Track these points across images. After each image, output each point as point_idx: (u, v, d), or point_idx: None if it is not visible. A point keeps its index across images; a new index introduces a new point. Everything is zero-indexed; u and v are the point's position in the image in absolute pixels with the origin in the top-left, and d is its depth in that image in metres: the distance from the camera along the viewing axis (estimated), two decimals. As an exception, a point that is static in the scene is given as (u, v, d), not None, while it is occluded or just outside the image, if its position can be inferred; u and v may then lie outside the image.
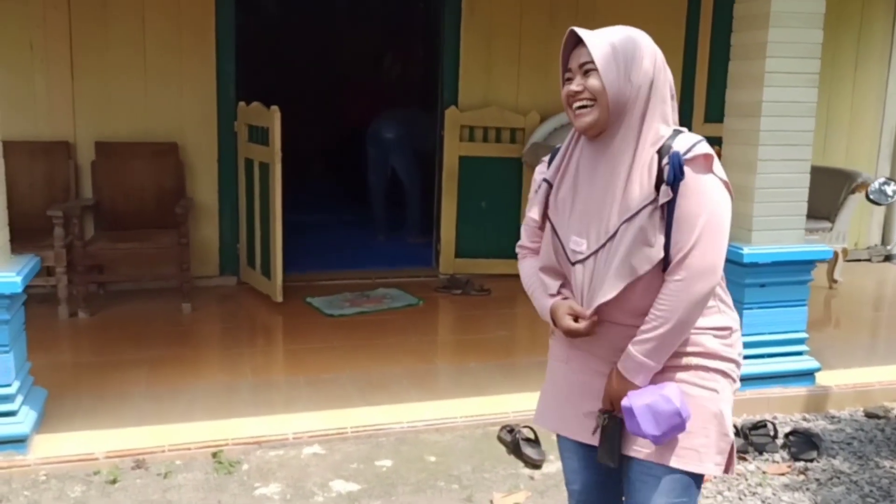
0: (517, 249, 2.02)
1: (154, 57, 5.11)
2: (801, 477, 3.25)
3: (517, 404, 3.59)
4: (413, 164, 6.89)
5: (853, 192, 5.70)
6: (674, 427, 1.68)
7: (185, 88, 5.19)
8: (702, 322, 1.74)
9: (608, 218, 1.70)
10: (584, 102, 1.70)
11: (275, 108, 4.77)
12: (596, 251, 1.72)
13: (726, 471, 1.77)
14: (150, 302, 5.02)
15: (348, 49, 9.03)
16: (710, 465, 1.74)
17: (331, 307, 4.97)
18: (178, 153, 5.18)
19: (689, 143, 1.68)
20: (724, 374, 1.78)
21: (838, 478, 3.23)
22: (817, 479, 3.21)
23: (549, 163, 1.88)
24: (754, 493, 3.09)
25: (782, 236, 3.79)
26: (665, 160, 1.66)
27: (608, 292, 1.70)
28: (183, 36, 5.14)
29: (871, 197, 3.15)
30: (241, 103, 5.21)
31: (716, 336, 1.76)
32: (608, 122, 1.69)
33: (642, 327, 1.70)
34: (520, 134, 5.73)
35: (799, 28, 3.65)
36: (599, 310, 1.73)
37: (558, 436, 1.95)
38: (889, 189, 3.17)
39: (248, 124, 5.14)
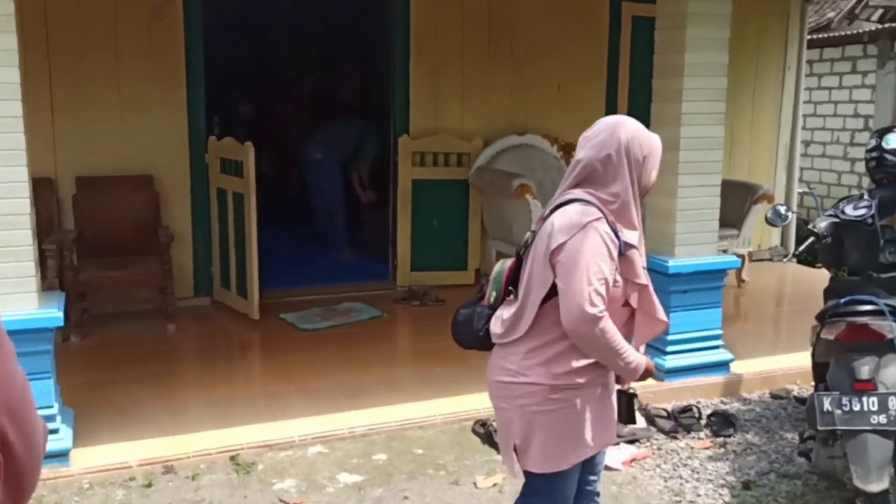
0: (600, 314, 2.14)
1: (129, 97, 5.50)
2: (722, 450, 3.96)
3: (485, 402, 4.13)
4: (339, 183, 7.27)
5: (756, 202, 6.54)
6: None
7: (159, 125, 5.59)
8: None
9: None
10: None
11: (248, 144, 5.25)
12: None
13: None
14: (133, 324, 5.42)
15: (288, 68, 9.45)
16: None
17: (304, 322, 5.48)
18: (154, 184, 5.59)
19: None
20: None
21: (751, 449, 3.95)
22: (734, 451, 3.92)
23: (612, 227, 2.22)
24: (685, 465, 3.78)
25: (699, 250, 4.51)
26: None
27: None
28: (156, 75, 5.55)
29: (769, 218, 3.86)
30: (212, 138, 5.66)
31: None
32: None
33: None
34: (465, 158, 6.35)
35: (709, 77, 4.38)
36: None
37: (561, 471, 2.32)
38: (783, 209, 3.88)
39: (221, 157, 5.60)
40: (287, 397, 4.28)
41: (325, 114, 7.64)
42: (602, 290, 2.12)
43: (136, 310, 5.60)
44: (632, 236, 2.24)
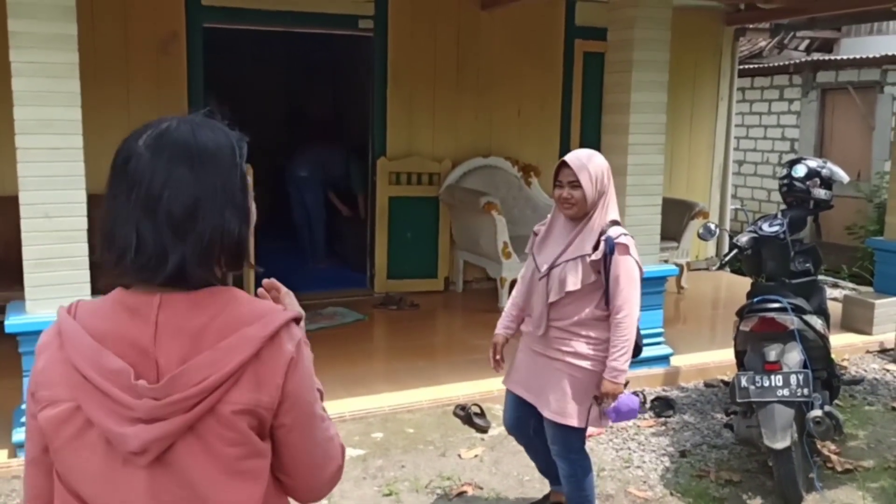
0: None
1: (137, 120, 6.05)
2: (663, 427, 4.72)
3: (463, 390, 4.90)
4: (321, 199, 7.98)
5: (693, 218, 7.39)
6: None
7: (162, 147, 6.18)
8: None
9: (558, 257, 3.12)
10: (569, 204, 3.09)
11: (248, 166, 5.85)
12: (548, 273, 3.14)
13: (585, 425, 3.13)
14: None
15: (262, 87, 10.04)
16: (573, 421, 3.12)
17: (295, 325, 6.09)
18: (157, 201, 6.16)
19: (618, 231, 3.08)
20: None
21: (687, 427, 4.72)
22: (673, 428, 4.69)
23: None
24: (633, 439, 4.53)
25: (644, 259, 5.22)
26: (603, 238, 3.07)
27: (553, 297, 3.12)
28: (162, 102, 6.13)
29: (700, 234, 4.64)
30: (212, 158, 6.25)
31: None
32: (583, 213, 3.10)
33: (613, 351, 3.03)
34: (436, 178, 7.06)
35: (650, 113, 5.16)
36: (549, 314, 3.13)
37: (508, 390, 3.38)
38: (712, 226, 4.66)
39: (219, 176, 6.19)
40: (292, 388, 4.91)
41: (306, 135, 8.29)
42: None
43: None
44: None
